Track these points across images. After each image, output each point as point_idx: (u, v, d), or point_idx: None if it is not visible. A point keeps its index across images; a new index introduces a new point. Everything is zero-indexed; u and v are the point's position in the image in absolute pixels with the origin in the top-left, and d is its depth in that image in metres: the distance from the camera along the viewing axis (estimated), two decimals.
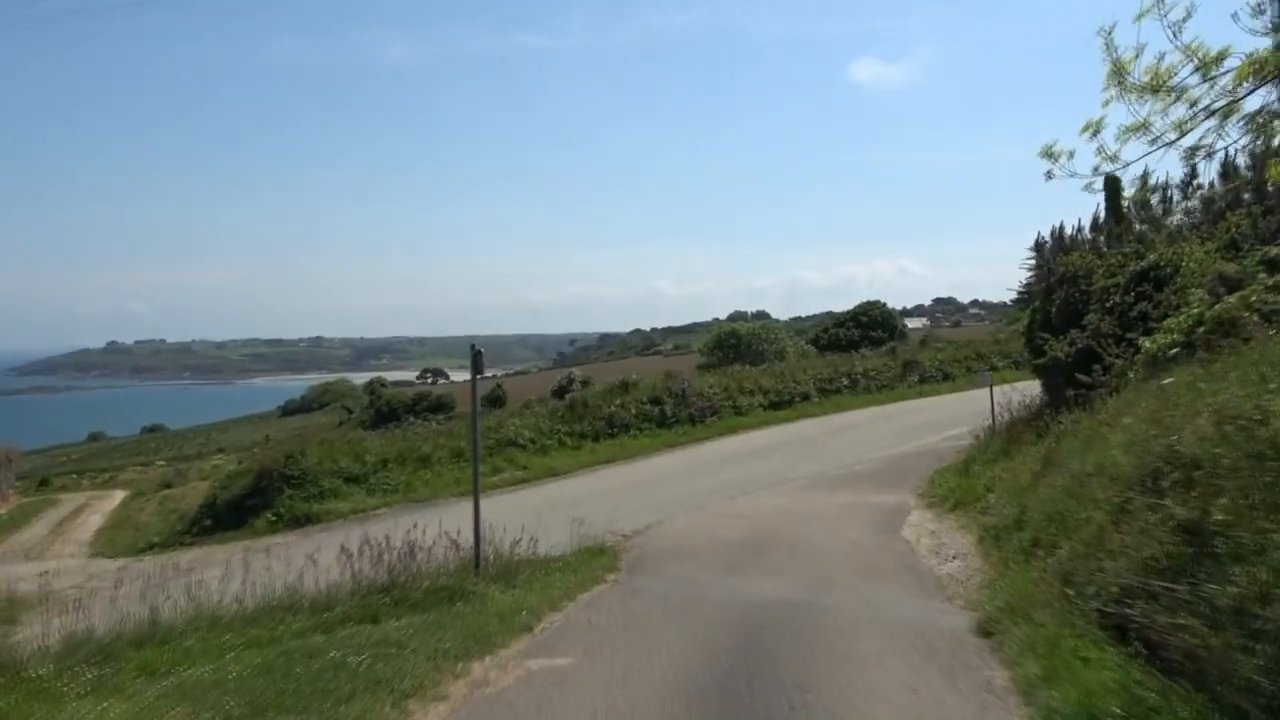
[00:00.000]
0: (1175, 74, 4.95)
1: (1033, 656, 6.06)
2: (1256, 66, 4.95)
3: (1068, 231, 33.80)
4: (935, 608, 8.50)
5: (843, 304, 64.34)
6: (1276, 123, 5.37)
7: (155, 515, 28.11)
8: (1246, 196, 18.79)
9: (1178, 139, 5.33)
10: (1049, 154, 5.45)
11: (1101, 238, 23.77)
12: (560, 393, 39.93)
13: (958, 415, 23.60)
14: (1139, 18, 5.04)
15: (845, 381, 32.46)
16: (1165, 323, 12.54)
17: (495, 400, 51.24)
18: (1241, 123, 5.06)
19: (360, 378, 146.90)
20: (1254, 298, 9.30)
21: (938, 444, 20.70)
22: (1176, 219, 23.70)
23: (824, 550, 11.60)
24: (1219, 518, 5.55)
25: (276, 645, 6.93)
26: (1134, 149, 5.52)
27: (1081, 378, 13.36)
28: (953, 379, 35.36)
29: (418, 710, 5.90)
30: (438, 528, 10.18)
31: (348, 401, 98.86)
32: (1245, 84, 5.13)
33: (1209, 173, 14.49)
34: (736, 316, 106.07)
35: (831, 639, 7.19)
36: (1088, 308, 15.64)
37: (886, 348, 42.10)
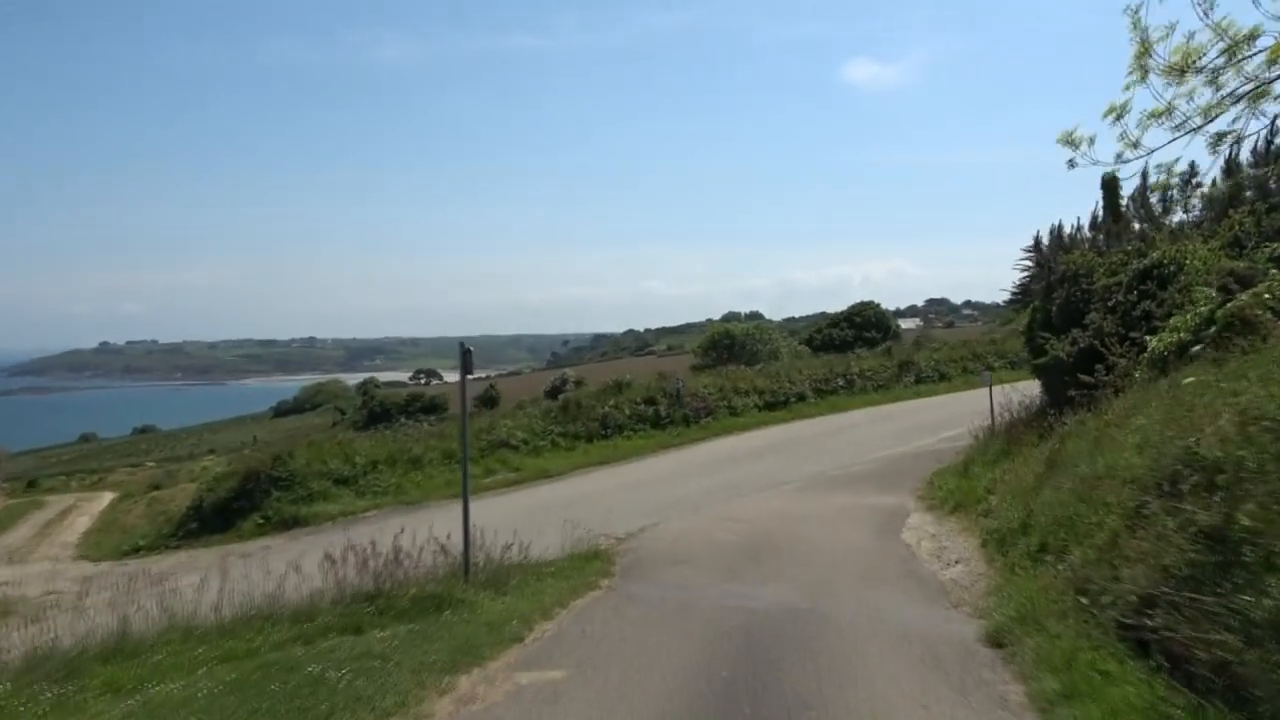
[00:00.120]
0: (1204, 54, 4.64)
1: (1049, 670, 5.77)
2: None
3: (1065, 231, 33.41)
4: (941, 615, 8.21)
5: (836, 305, 64.46)
6: None
7: (143, 517, 27.77)
8: (1249, 194, 18.58)
9: (1203, 124, 5.03)
10: (1070, 141, 5.17)
11: (1100, 237, 23.53)
12: (554, 393, 39.66)
13: (955, 416, 23.39)
14: None
15: (841, 382, 32.20)
16: (1170, 321, 12.29)
17: (489, 401, 50.92)
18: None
19: (353, 378, 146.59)
20: (1267, 294, 9.02)
21: (935, 445, 20.46)
22: (1177, 217, 23.56)
23: (823, 554, 11.31)
24: (1246, 524, 5.27)
25: (253, 658, 6.57)
26: (1156, 136, 5.21)
27: (1084, 378, 13.11)
28: (949, 379, 35.18)
29: None
30: (428, 531, 9.87)
31: (341, 402, 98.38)
32: (1276, 66, 4.83)
33: (1215, 170, 14.23)
34: (730, 317, 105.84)
35: (835, 649, 6.88)
36: (1089, 307, 15.37)
37: (882, 348, 41.88)
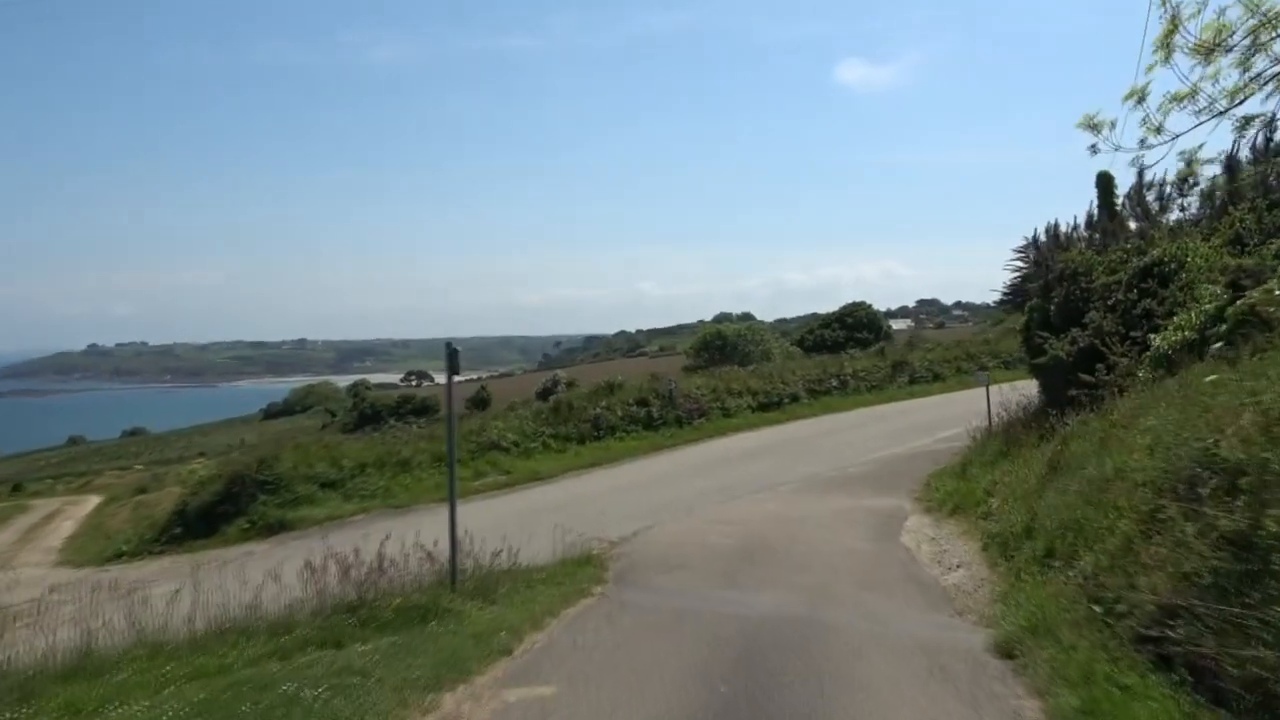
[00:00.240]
0: (1233, 32, 4.36)
1: (1065, 684, 5.47)
2: None
3: (1061, 230, 33.25)
4: (945, 623, 7.92)
5: (827, 306, 64.38)
6: None
7: (128, 522, 27.32)
8: (1248, 191, 18.39)
9: (1230, 107, 4.75)
10: (1091, 125, 4.89)
11: (1096, 235, 23.35)
12: (545, 394, 39.35)
13: (950, 416, 23.20)
14: None
15: (835, 382, 31.99)
16: (1174, 319, 12.07)
17: (480, 402, 50.61)
18: None
19: (344, 380, 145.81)
20: (1279, 290, 8.76)
21: (931, 446, 20.22)
22: (1174, 215, 23.46)
23: (821, 558, 11.02)
24: (1274, 530, 5.00)
25: (225, 676, 6.17)
26: (1179, 121, 4.93)
27: (1085, 377, 12.89)
28: (943, 379, 35.00)
29: None
30: (415, 536, 9.54)
31: (331, 404, 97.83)
32: None
33: (1243, 151, 14.03)
34: (722, 318, 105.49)
35: (838, 661, 6.57)
36: (1088, 305, 15.16)
37: (875, 348, 41.68)
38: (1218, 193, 18.89)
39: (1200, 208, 21.54)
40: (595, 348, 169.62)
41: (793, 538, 12.36)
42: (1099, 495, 8.02)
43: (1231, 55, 4.50)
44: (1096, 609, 6.35)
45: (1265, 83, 4.76)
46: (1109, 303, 14.65)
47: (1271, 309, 8.15)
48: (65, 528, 30.13)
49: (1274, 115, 4.69)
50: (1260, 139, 20.45)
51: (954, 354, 38.13)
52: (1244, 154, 11.95)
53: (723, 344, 46.21)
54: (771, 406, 28.76)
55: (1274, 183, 16.63)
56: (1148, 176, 25.21)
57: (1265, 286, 8.82)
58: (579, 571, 10.61)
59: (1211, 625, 5.11)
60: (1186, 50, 4.50)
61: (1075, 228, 28.94)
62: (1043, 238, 43.07)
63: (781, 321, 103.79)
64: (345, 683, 5.87)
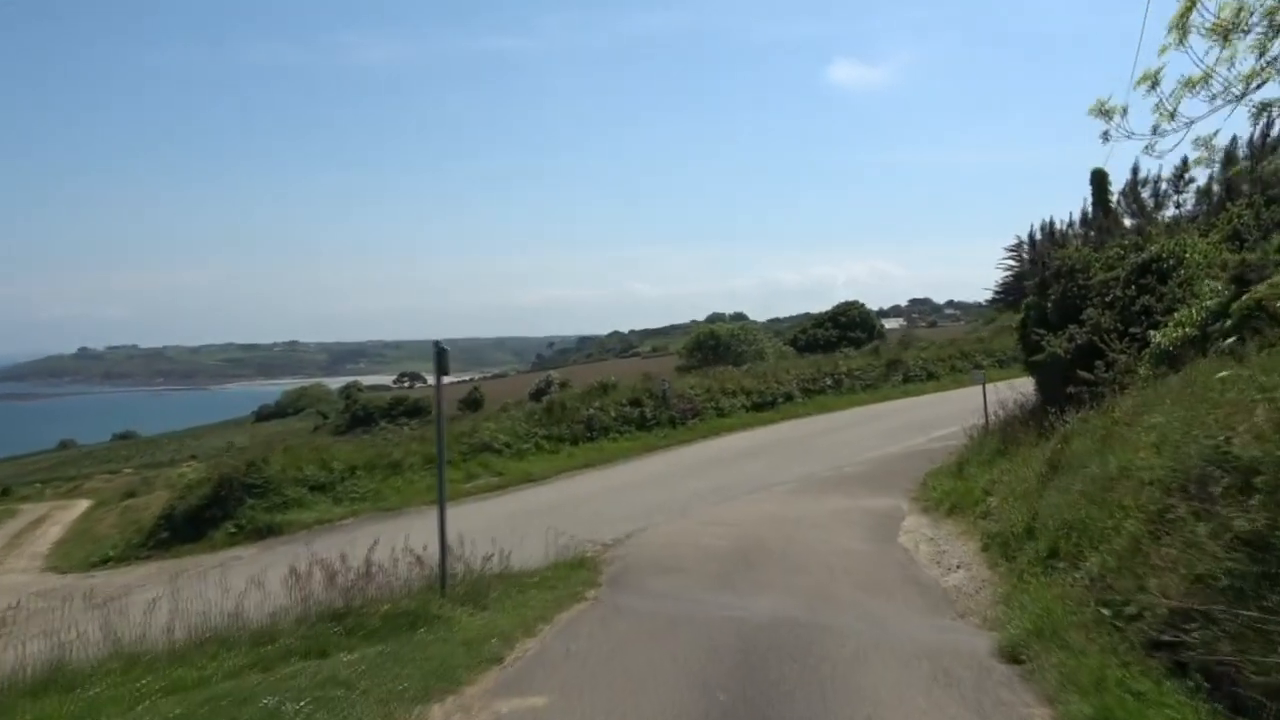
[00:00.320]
0: (1253, 12, 4.17)
1: (1076, 690, 5.27)
2: None
3: (1056, 227, 33.16)
4: (948, 626, 7.74)
5: (819, 305, 64.28)
6: None
7: (115, 526, 27.01)
8: (1245, 187, 18.29)
9: (1246, 92, 4.56)
10: (1102, 110, 4.69)
11: (1092, 233, 23.23)
12: (538, 395, 39.15)
13: (945, 415, 23.05)
14: None
15: (829, 382, 31.84)
16: (1175, 315, 11.92)
17: (473, 404, 50.47)
18: None
19: (336, 382, 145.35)
20: None
21: (927, 445, 20.08)
22: (1169, 212, 23.36)
23: (819, 560, 10.83)
24: None
25: (203, 689, 5.91)
26: (1193, 107, 4.74)
27: (1083, 374, 12.74)
28: (937, 378, 34.88)
29: None
30: (406, 540, 9.33)
31: (323, 406, 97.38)
32: None
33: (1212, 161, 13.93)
34: (715, 318, 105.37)
35: (839, 667, 6.37)
36: (1086, 302, 15.00)
37: (869, 347, 41.58)
38: (1215, 188, 18.83)
39: (1196, 204, 21.44)
40: (588, 348, 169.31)
41: (789, 539, 12.18)
42: (1103, 494, 7.84)
43: (1249, 38, 4.32)
44: (1105, 612, 6.16)
45: None
46: (1107, 299, 14.49)
47: (1279, 303, 7.98)
48: (53, 533, 29.77)
49: None
50: (1258, 133, 20.52)
51: (948, 352, 38.01)
52: (1251, 138, 11.76)
53: (716, 344, 46.10)
54: (766, 406, 28.60)
55: (1271, 178, 16.51)
56: (1145, 172, 25.19)
57: (1272, 281, 8.65)
58: (572, 575, 10.40)
59: (1228, 630, 4.93)
60: (1203, 31, 4.31)
61: (1071, 225, 28.82)
62: (1037, 236, 42.95)
63: (774, 321, 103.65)
64: (329, 695, 5.63)
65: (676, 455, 22.40)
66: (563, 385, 41.93)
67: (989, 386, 18.46)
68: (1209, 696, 4.85)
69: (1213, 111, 4.64)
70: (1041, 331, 15.61)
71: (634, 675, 6.43)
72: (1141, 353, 12.24)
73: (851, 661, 6.51)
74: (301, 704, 5.41)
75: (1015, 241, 49.85)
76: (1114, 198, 25.22)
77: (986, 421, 17.30)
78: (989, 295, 56.94)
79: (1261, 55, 4.55)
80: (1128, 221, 23.86)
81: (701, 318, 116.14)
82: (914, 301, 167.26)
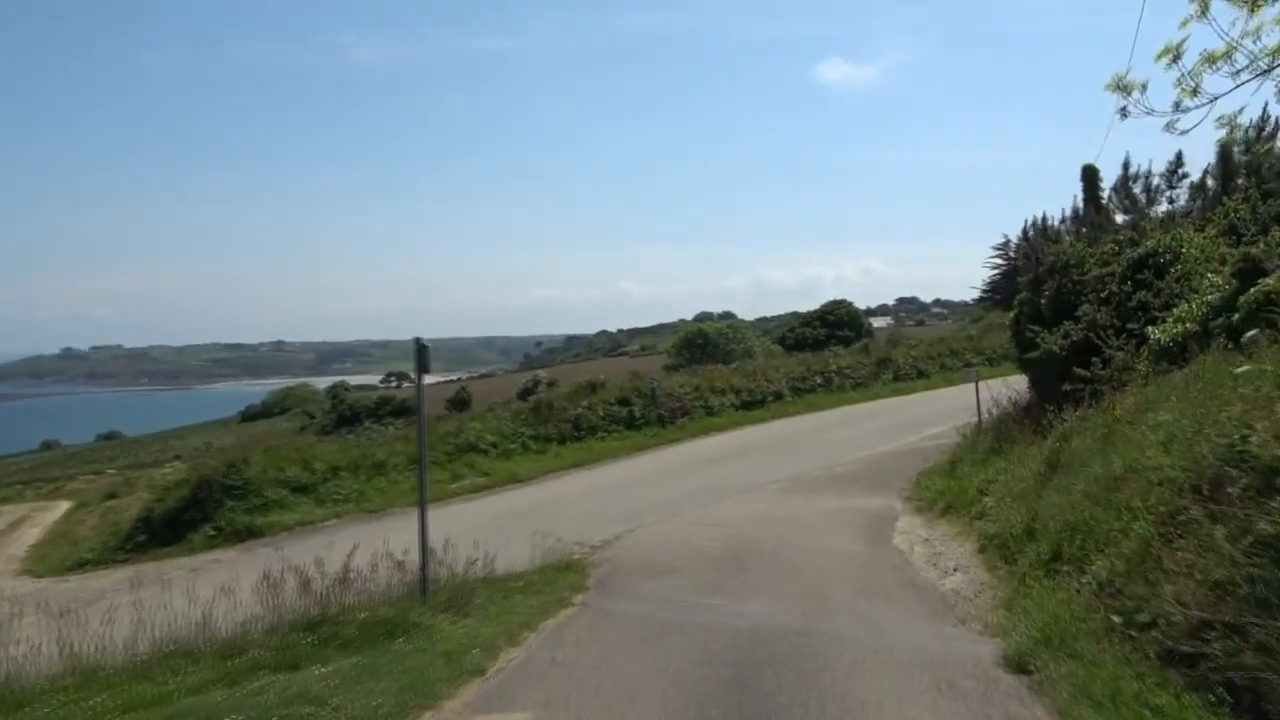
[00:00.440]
0: None
1: (1090, 704, 4.98)
2: None
3: (1047, 223, 32.99)
4: (949, 633, 7.45)
5: (807, 304, 63.93)
6: None
7: (95, 528, 26.52)
8: (1240, 181, 18.11)
9: (1271, 66, 4.27)
10: (1120, 86, 4.41)
11: (1084, 229, 23.04)
12: (526, 395, 38.81)
13: (936, 413, 22.86)
14: None
15: (819, 380, 31.64)
16: (1175, 310, 11.70)
17: (460, 403, 49.98)
18: None
19: (323, 382, 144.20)
20: None
21: (919, 443, 19.86)
22: (1162, 207, 23.21)
23: (812, 563, 10.55)
24: None
25: (164, 706, 5.52)
26: (1215, 84, 4.45)
27: (1079, 371, 12.50)
28: (927, 376, 34.71)
29: None
30: (389, 542, 9.01)
31: (309, 406, 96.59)
32: None
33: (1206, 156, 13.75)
34: (703, 317, 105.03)
35: (838, 678, 6.06)
36: (1081, 298, 14.77)
37: (859, 345, 41.36)
38: (1210, 182, 18.64)
39: (1190, 199, 21.26)
40: (576, 348, 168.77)
41: (782, 540, 11.91)
42: (1108, 495, 7.58)
43: (1275, 8, 4.04)
44: (1115, 619, 5.89)
45: None
46: (1102, 295, 14.27)
47: None
48: (31, 535, 29.19)
49: None
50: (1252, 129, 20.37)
51: (938, 350, 37.87)
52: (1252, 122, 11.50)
53: (704, 343, 45.90)
54: (755, 405, 28.36)
55: (1265, 171, 16.33)
56: (1136, 167, 25.02)
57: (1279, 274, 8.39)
58: (559, 578, 10.10)
59: (1252, 640, 4.66)
60: None
61: (1064, 220, 28.65)
62: (1022, 235, 42.81)
63: (762, 320, 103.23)
64: (298, 713, 5.27)
65: (665, 454, 22.14)
66: (550, 385, 41.60)
67: (981, 384, 18.24)
68: (1232, 712, 4.58)
69: (1237, 87, 4.38)
70: (1036, 328, 15.37)
71: (623, 687, 6.11)
72: (1140, 349, 12.01)
73: (850, 671, 6.21)
74: None
75: (1003, 240, 49.69)
76: (1105, 194, 25.04)
77: (980, 420, 17.06)
78: (976, 294, 56.77)
79: None
80: (1120, 218, 23.66)
81: (690, 317, 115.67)
82: (901, 300, 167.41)
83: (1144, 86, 4.40)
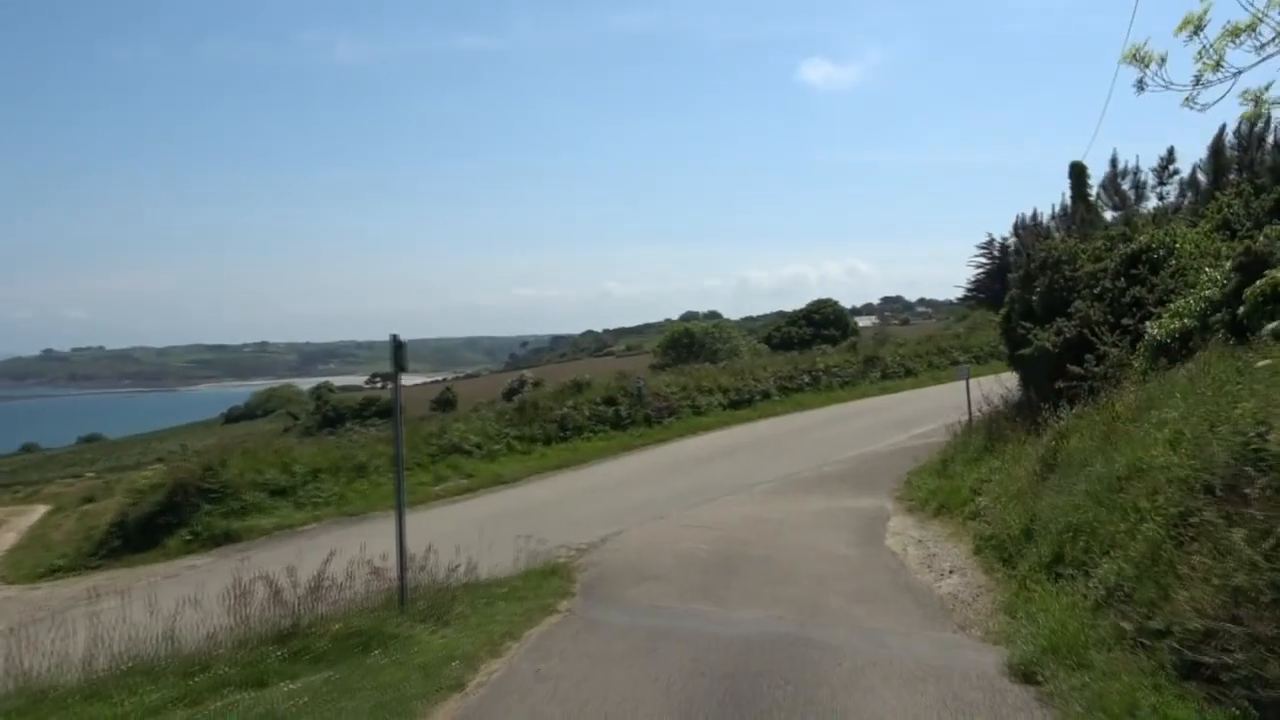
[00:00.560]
0: None
1: (1106, 717, 4.69)
2: None
3: (1038, 219, 32.84)
4: (949, 640, 7.16)
5: (792, 304, 63.63)
6: None
7: (72, 533, 26.01)
8: (1231, 177, 17.95)
9: None
10: (1137, 57, 4.12)
11: (1073, 226, 22.87)
12: (511, 395, 38.42)
13: (925, 411, 22.68)
14: None
15: (806, 379, 31.40)
16: (1172, 306, 11.48)
17: (445, 404, 49.56)
18: None
19: (307, 383, 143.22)
20: None
21: (908, 442, 19.63)
22: (1152, 204, 23.07)
23: (804, 566, 10.26)
24: None
25: None
26: (1237, 58, 4.17)
27: (1073, 369, 12.28)
28: (915, 375, 34.58)
29: None
30: (369, 546, 8.69)
31: (293, 407, 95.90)
32: None
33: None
34: (688, 316, 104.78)
35: (838, 692, 5.76)
36: (1074, 294, 14.57)
37: (847, 343, 41.18)
38: (1201, 178, 18.49)
39: (1180, 195, 21.12)
40: (562, 348, 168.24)
41: (772, 543, 11.62)
42: (1111, 495, 7.32)
43: None
44: (1126, 626, 5.62)
45: None
46: (1095, 291, 14.07)
47: None
48: (7, 540, 28.60)
49: None
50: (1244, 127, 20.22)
51: (925, 349, 37.74)
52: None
53: (690, 342, 45.63)
54: (743, 404, 28.11)
55: (1258, 166, 16.14)
56: (1124, 164, 24.87)
57: None
58: (544, 584, 9.77)
59: (1278, 650, 4.39)
60: None
61: (1054, 217, 28.50)
62: (1014, 231, 42.68)
63: (748, 320, 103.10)
64: None
65: (653, 455, 21.85)
66: (536, 384, 41.22)
67: (971, 382, 18.02)
68: None
69: (1261, 61, 4.09)
70: (1028, 325, 15.15)
71: (611, 703, 5.79)
72: (1135, 345, 11.81)
73: (849, 684, 5.91)
74: None
75: (987, 239, 49.46)
76: (1093, 191, 24.89)
77: (970, 418, 16.84)
78: (961, 293, 56.63)
79: None
80: (1108, 214, 23.52)
81: (675, 316, 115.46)
82: (886, 299, 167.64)
83: (1163, 59, 4.12)
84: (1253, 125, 15.92)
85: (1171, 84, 4.15)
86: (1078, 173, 25.36)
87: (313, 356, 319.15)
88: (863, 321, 77.86)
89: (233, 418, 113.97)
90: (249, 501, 16.91)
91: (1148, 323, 11.76)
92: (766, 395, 29.21)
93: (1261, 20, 4.03)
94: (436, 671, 6.36)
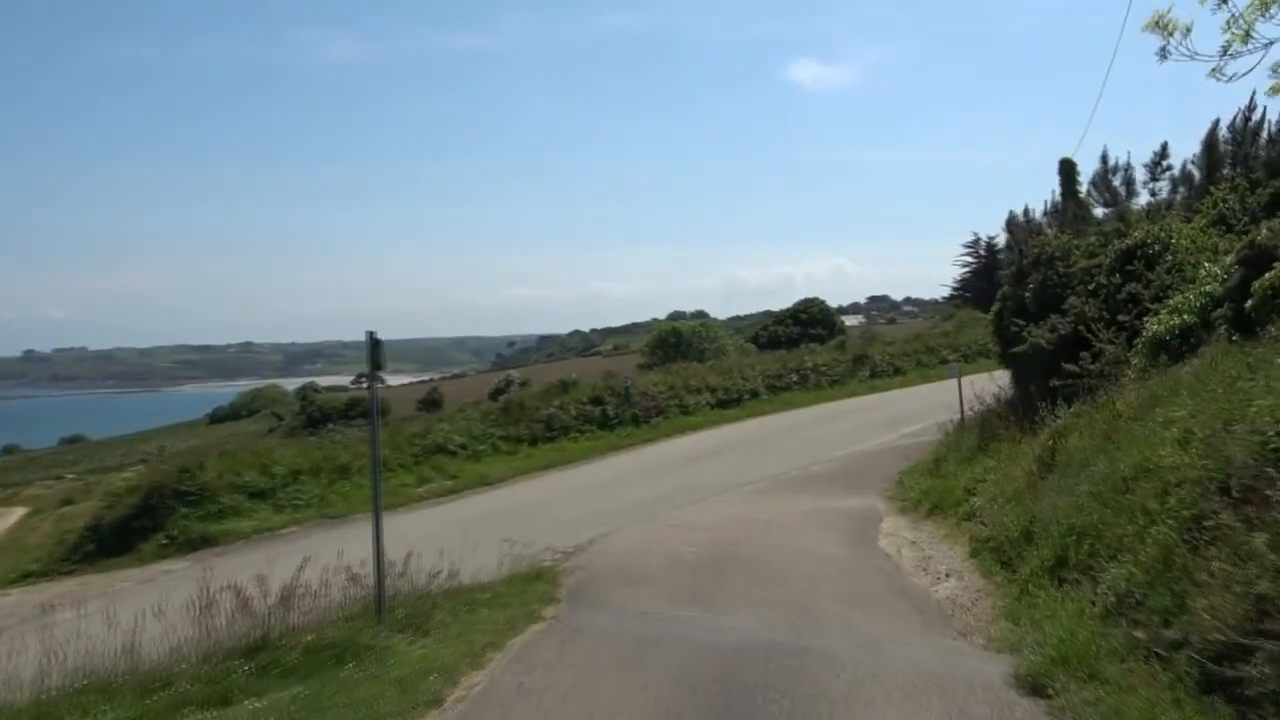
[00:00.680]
0: None
1: None
2: None
3: (1029, 215, 32.67)
4: (950, 648, 6.88)
5: (779, 303, 63.49)
6: None
7: (48, 536, 25.53)
8: (1225, 172, 17.78)
9: None
10: (1160, 25, 3.84)
11: (1064, 223, 22.69)
12: (497, 395, 38.03)
13: (915, 410, 22.48)
14: None
15: (795, 378, 31.17)
16: (1170, 302, 11.25)
17: (432, 404, 49.08)
18: None
19: (293, 383, 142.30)
20: None
21: (898, 441, 19.41)
22: (1143, 199, 22.92)
23: (796, 569, 9.98)
24: None
25: None
26: (1266, 30, 3.89)
27: (1068, 366, 12.04)
28: (904, 373, 34.39)
29: None
30: (348, 551, 8.36)
31: (278, 408, 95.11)
32: None
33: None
34: (676, 316, 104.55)
35: (837, 707, 5.45)
36: (1068, 291, 14.33)
37: (835, 342, 41.00)
38: (1195, 172, 18.33)
39: (1171, 190, 20.96)
40: (549, 348, 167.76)
41: (762, 545, 11.34)
42: (1117, 496, 7.06)
43: None
44: (1139, 635, 5.34)
45: None
46: (1090, 287, 13.84)
47: None
48: None
49: None
50: (1240, 119, 20.09)
51: (914, 348, 37.54)
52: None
53: (678, 341, 45.36)
54: (731, 403, 27.86)
55: (1252, 161, 15.96)
56: (1115, 160, 24.71)
57: None
58: (528, 589, 9.45)
59: None
60: None
61: (1045, 214, 28.34)
62: (997, 234, 42.59)
63: (735, 319, 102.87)
64: None
65: (640, 455, 21.59)
66: (523, 384, 40.88)
67: (969, 379, 17.80)
68: None
69: None
70: (1021, 322, 14.91)
71: (598, 717, 5.47)
72: (1132, 342, 11.58)
73: (849, 697, 5.61)
74: None
75: (973, 238, 49.31)
76: (1083, 187, 24.71)
77: (962, 417, 16.60)
78: (947, 292, 56.48)
79: None
80: (1099, 211, 23.35)
81: (663, 316, 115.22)
82: (873, 299, 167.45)
83: (1188, 29, 3.84)
84: (1248, 119, 15.77)
85: (1196, 54, 3.88)
86: (1067, 169, 25.16)
87: (298, 356, 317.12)
88: (849, 320, 77.82)
89: (218, 418, 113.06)
90: (227, 504, 16.54)
91: (1145, 319, 11.54)
92: (755, 394, 28.97)
93: None
94: (413, 686, 6.01)
